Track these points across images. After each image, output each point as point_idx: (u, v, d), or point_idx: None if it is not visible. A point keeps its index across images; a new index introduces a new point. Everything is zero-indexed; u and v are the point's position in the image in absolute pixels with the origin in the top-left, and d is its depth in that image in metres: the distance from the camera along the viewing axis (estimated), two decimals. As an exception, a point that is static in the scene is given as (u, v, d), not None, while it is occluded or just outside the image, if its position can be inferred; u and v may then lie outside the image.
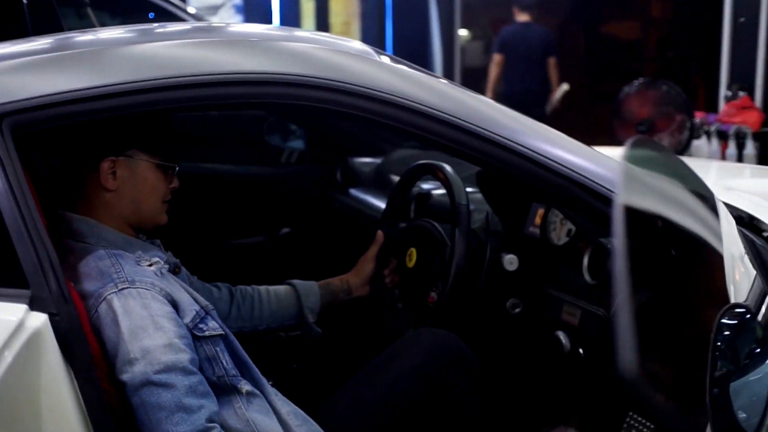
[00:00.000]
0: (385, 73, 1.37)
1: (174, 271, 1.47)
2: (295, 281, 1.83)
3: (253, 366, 1.42)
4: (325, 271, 3.07)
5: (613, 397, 1.70)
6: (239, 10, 8.80)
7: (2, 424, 1.06)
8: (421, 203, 2.01)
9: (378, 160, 2.88)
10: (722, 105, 5.32)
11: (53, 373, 1.10)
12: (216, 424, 1.26)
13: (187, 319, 1.32)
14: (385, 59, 1.45)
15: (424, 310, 1.73)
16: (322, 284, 1.85)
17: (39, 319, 1.09)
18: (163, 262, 1.40)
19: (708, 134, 4.86)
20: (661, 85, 4.77)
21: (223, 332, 1.38)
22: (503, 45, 5.93)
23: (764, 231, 1.63)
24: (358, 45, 1.48)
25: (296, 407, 1.44)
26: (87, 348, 1.14)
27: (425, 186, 2.32)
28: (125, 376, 1.23)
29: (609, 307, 1.51)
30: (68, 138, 1.41)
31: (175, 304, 1.32)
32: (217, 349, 1.36)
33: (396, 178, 2.72)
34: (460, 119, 1.35)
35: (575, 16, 7.31)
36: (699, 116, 4.97)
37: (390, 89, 1.33)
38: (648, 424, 1.93)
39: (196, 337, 1.33)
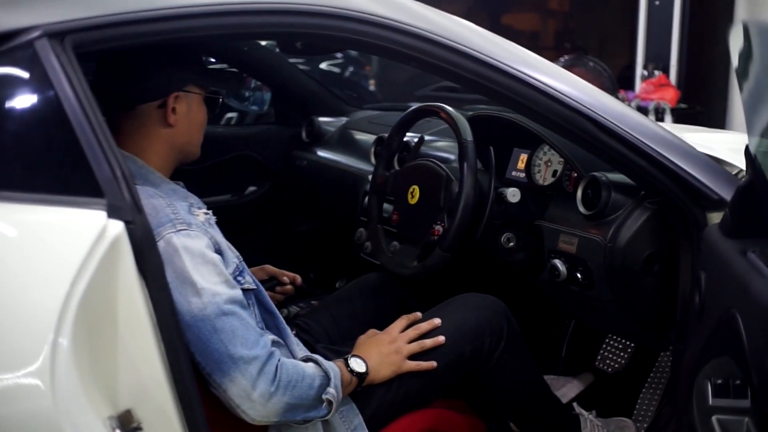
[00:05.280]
0: None
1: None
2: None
3: (279, 316, 1.51)
4: (290, 228, 3.12)
5: (596, 318, 1.84)
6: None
7: (85, 328, 1.08)
8: (413, 150, 2.08)
9: (342, 120, 2.96)
10: (638, 83, 5.64)
11: (129, 281, 1.11)
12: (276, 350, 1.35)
13: (230, 270, 1.39)
14: None
15: (428, 243, 1.82)
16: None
17: (117, 227, 1.10)
18: (211, 214, 1.44)
19: (629, 109, 5.16)
20: (588, 61, 5.02)
21: (255, 286, 1.46)
22: None
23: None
24: None
25: (316, 356, 1.49)
26: (159, 257, 1.16)
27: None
28: (194, 307, 1.29)
29: (606, 234, 1.65)
30: (133, 71, 1.42)
31: (221, 254, 1.38)
32: (250, 301, 1.43)
33: (360, 137, 2.81)
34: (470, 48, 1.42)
35: (479, 7, 7.47)
36: (620, 93, 5.26)
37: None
38: (628, 342, 2.10)
39: None
